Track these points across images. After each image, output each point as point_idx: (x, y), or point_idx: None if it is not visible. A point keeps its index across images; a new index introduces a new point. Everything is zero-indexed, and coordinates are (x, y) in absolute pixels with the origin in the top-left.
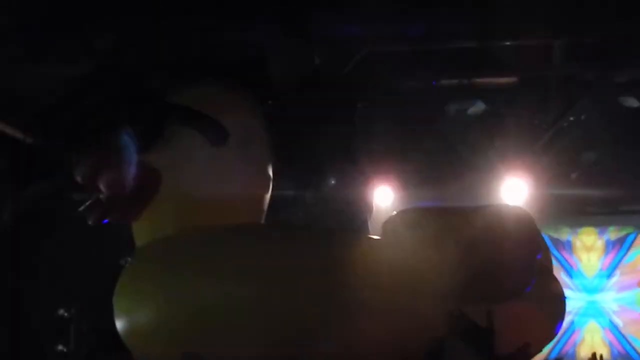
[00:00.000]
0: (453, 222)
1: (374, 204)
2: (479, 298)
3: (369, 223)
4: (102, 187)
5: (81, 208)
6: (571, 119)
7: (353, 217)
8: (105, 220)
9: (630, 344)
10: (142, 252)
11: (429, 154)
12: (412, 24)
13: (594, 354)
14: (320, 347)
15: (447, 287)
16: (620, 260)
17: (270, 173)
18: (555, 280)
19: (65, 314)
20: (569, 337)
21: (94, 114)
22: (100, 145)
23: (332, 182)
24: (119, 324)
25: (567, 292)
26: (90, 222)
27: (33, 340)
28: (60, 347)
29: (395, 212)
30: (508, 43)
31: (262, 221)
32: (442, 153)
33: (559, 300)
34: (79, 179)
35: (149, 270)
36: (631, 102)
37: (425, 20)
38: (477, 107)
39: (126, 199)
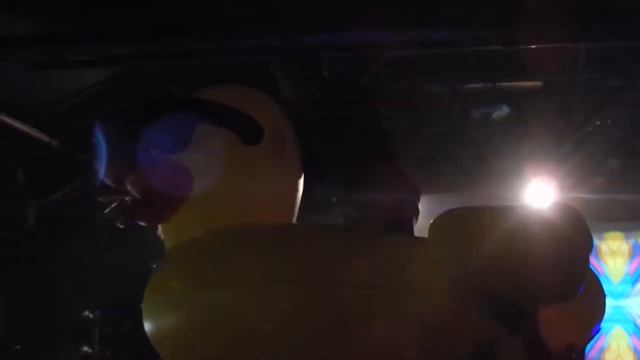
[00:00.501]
0: (503, 221)
1: (419, 207)
2: (531, 299)
3: (414, 225)
4: (131, 189)
5: (108, 210)
6: (597, 123)
7: (398, 219)
8: (135, 222)
9: None
10: (171, 255)
11: (454, 159)
12: (436, 29)
13: None
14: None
15: (499, 288)
16: None
17: (302, 175)
18: (594, 275)
19: (90, 316)
20: (594, 343)
21: (121, 117)
22: (129, 147)
23: (374, 185)
24: (148, 327)
25: None
26: (119, 224)
27: (59, 341)
28: (85, 349)
29: (442, 213)
30: (533, 47)
31: (293, 222)
32: (467, 157)
33: (601, 297)
34: (108, 181)
35: (178, 274)
36: None
37: (449, 25)
38: (502, 111)
39: (157, 200)
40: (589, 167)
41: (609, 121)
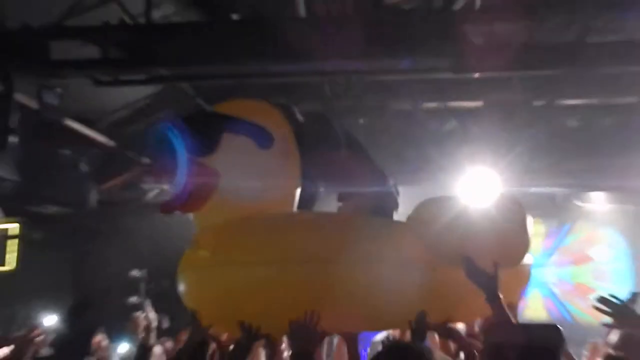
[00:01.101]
0: (462, 207)
1: (397, 199)
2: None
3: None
4: (171, 184)
5: (150, 195)
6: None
7: (383, 208)
8: (173, 211)
9: (565, 308)
10: (201, 237)
11: (413, 160)
12: (402, 59)
13: None
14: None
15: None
16: (558, 244)
17: (299, 175)
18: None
19: (138, 275)
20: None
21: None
22: (168, 152)
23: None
24: (181, 290)
25: None
26: (162, 213)
27: (115, 294)
28: (134, 299)
29: (421, 202)
30: (477, 75)
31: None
32: (423, 159)
33: (530, 265)
34: (152, 176)
35: (205, 252)
36: (572, 122)
37: (412, 57)
38: (451, 125)
39: (191, 194)
40: (519, 168)
41: (535, 131)
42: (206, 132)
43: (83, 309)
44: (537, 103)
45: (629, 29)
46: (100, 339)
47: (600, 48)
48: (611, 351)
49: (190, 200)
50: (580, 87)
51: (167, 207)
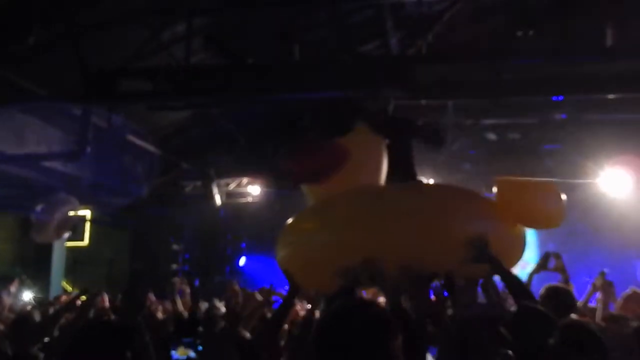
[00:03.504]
0: None
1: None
2: None
3: None
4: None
5: (188, 191)
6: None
7: None
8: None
9: None
10: (310, 208)
11: None
12: None
13: None
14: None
15: None
16: None
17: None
18: None
19: (177, 248)
20: None
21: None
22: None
23: None
24: (280, 252)
25: None
26: (293, 184)
27: (160, 263)
28: (174, 266)
29: None
30: (422, 102)
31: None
32: None
33: None
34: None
35: (307, 220)
36: (491, 136)
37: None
38: None
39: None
40: (451, 168)
41: (461, 143)
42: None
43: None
44: (467, 122)
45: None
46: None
47: (513, 83)
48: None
49: (319, 173)
50: (497, 110)
51: (294, 178)
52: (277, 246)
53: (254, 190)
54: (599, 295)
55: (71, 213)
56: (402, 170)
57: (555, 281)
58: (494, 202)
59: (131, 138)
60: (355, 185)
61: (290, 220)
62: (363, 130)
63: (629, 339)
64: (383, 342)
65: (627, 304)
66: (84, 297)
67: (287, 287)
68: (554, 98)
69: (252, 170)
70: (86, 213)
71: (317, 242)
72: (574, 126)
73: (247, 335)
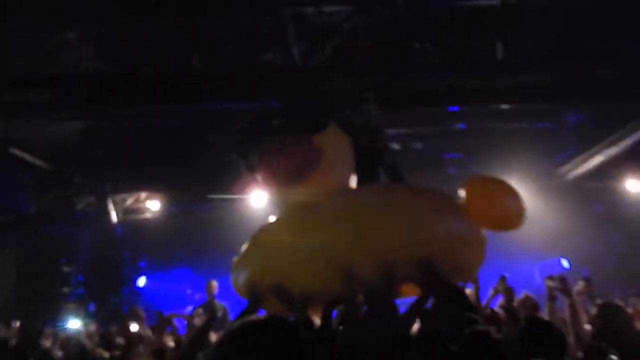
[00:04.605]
0: None
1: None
2: None
3: None
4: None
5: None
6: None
7: None
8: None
9: None
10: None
11: None
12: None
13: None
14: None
15: None
16: None
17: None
18: None
19: (69, 269)
20: None
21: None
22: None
23: None
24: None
25: None
26: (265, 187)
27: (49, 286)
28: (65, 289)
29: None
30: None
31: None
32: None
33: None
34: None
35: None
36: (417, 145)
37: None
38: None
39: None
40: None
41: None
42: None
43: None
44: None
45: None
46: None
47: (413, 93)
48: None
49: (294, 173)
50: (399, 120)
51: (271, 181)
52: (236, 266)
53: (153, 205)
54: (500, 298)
55: None
56: (371, 172)
57: None
58: (460, 203)
59: (15, 151)
60: (332, 189)
61: (258, 232)
62: (334, 130)
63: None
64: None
65: (521, 307)
66: None
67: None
68: (450, 108)
69: (150, 184)
70: None
71: (304, 251)
72: (474, 136)
73: None
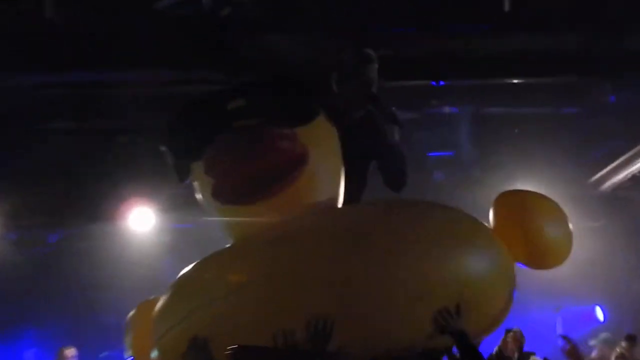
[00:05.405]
0: None
1: None
2: None
3: None
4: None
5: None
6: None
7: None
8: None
9: None
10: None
11: None
12: None
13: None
14: None
15: None
16: None
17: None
18: None
19: None
20: None
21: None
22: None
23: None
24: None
25: None
26: (233, 202)
27: None
28: None
29: None
30: None
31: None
32: None
33: None
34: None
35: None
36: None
37: None
38: None
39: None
40: None
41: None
42: (302, 100)
43: None
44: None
45: None
46: None
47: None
48: None
49: (264, 183)
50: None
51: (245, 196)
52: (159, 315)
53: None
54: None
55: None
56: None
57: None
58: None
59: None
60: (311, 205)
61: (190, 270)
62: (321, 121)
63: None
64: None
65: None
66: None
67: None
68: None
69: None
70: None
71: (254, 298)
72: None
73: None
